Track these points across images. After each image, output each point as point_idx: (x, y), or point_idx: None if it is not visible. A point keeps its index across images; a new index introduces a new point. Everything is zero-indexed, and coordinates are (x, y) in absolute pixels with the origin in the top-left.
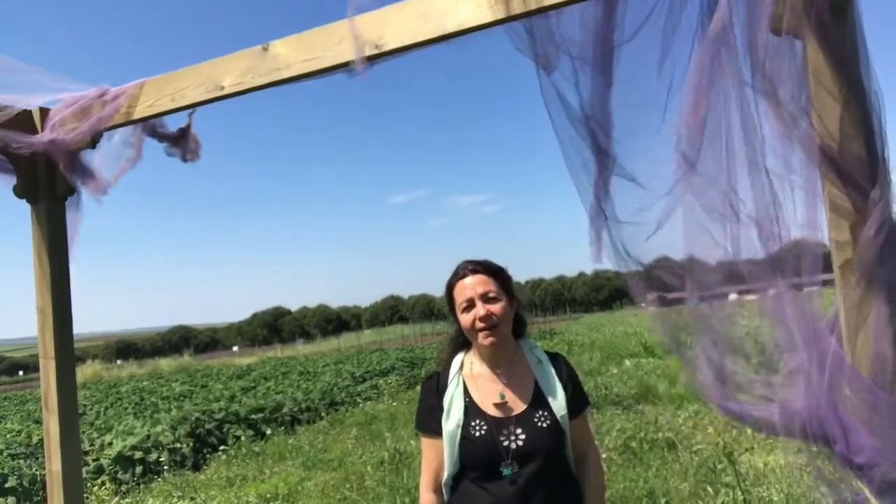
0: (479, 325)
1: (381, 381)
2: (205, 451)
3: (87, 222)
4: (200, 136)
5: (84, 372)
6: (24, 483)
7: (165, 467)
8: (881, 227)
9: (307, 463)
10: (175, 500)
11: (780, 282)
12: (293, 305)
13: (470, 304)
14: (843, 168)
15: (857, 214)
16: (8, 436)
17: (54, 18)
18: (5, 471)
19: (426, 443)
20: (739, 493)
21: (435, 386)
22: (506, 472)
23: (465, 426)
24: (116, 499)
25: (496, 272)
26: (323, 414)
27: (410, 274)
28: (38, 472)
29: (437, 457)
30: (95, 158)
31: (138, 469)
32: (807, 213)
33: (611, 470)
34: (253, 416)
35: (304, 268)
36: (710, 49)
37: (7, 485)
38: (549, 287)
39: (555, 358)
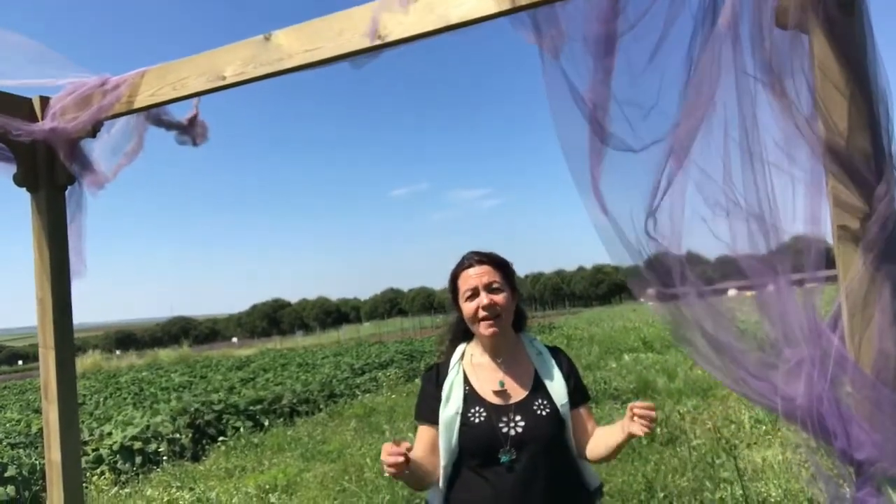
0: (482, 314)
1: (380, 374)
2: (204, 441)
3: (93, 211)
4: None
5: (84, 362)
6: (24, 472)
7: (165, 458)
8: (886, 223)
9: (306, 454)
10: (174, 490)
11: (781, 277)
12: (293, 297)
13: (474, 293)
14: (848, 163)
15: (861, 210)
16: (7, 425)
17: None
18: (5, 460)
19: (422, 430)
20: (738, 488)
21: (435, 376)
22: (504, 458)
23: (465, 413)
24: (115, 489)
25: (501, 264)
26: (322, 406)
27: (410, 267)
28: (37, 462)
29: (430, 443)
30: (95, 150)
31: (137, 459)
32: (810, 207)
33: (609, 464)
34: (252, 408)
35: (304, 260)
36: (715, 42)
37: (6, 474)
38: (549, 281)
39: (555, 351)
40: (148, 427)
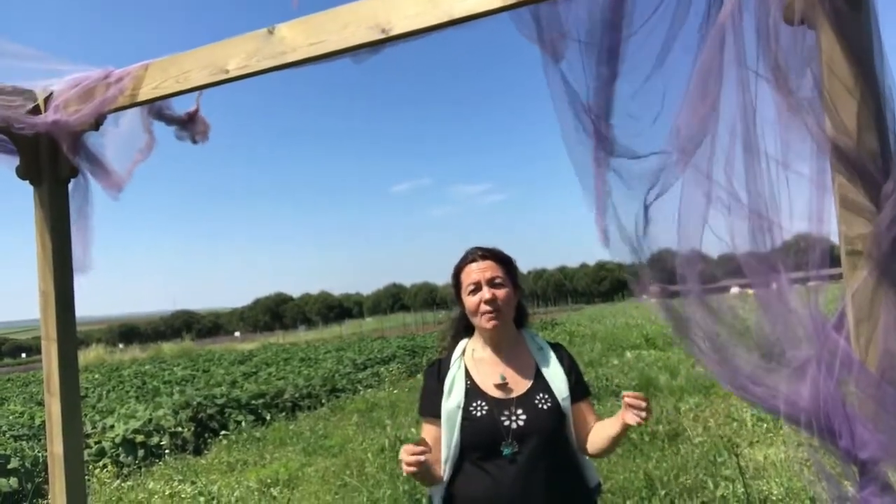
0: (484, 307)
1: (382, 369)
2: (206, 435)
3: (100, 204)
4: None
5: (87, 355)
6: (27, 464)
7: (167, 451)
8: (893, 222)
9: (308, 449)
10: (176, 483)
11: (785, 276)
12: (295, 292)
13: (477, 287)
14: (855, 161)
15: (868, 208)
16: (11, 417)
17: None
18: (8, 452)
19: (426, 427)
20: (740, 486)
21: (436, 372)
22: (506, 451)
23: (466, 407)
24: (118, 482)
25: (504, 260)
26: (324, 400)
27: (413, 262)
28: (40, 454)
29: (435, 439)
30: (107, 150)
31: (140, 452)
32: (815, 206)
33: (611, 461)
34: (254, 402)
35: (307, 254)
36: (719, 38)
37: (10, 466)
38: (551, 277)
39: (556, 347)
40: (150, 420)
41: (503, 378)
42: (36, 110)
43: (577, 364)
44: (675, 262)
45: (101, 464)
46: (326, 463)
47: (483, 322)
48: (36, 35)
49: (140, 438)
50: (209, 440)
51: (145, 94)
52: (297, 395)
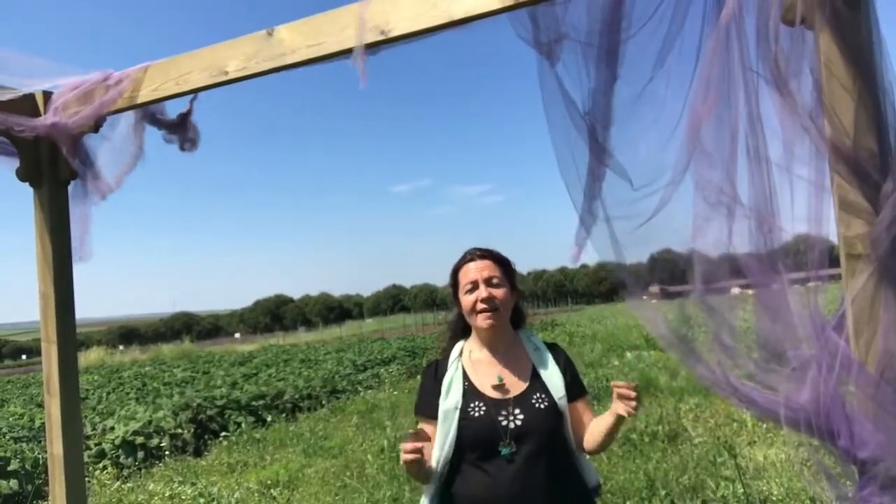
0: (481, 306)
1: (382, 370)
2: (206, 437)
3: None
4: (204, 121)
5: (87, 357)
6: (27, 466)
7: (167, 453)
8: (893, 222)
9: (308, 450)
10: (176, 485)
11: (785, 276)
12: (295, 293)
13: (474, 286)
14: (854, 161)
15: (867, 209)
16: (11, 419)
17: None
18: (8, 454)
19: (423, 426)
20: (740, 486)
21: (434, 372)
22: (504, 451)
23: (464, 408)
24: (118, 483)
25: (502, 261)
26: (324, 402)
27: (413, 263)
28: (40, 456)
29: (431, 438)
30: (100, 155)
31: (140, 454)
32: (814, 206)
33: (611, 461)
34: (254, 403)
35: (307, 256)
36: (719, 40)
37: (10, 468)
38: (551, 278)
39: (553, 347)
40: (150, 422)
41: (500, 379)
42: (36, 113)
43: (572, 363)
44: (675, 262)
45: (101, 465)
46: (326, 464)
47: (479, 321)
48: (36, 36)
49: (140, 440)
50: (209, 442)
51: (145, 96)
52: (297, 397)
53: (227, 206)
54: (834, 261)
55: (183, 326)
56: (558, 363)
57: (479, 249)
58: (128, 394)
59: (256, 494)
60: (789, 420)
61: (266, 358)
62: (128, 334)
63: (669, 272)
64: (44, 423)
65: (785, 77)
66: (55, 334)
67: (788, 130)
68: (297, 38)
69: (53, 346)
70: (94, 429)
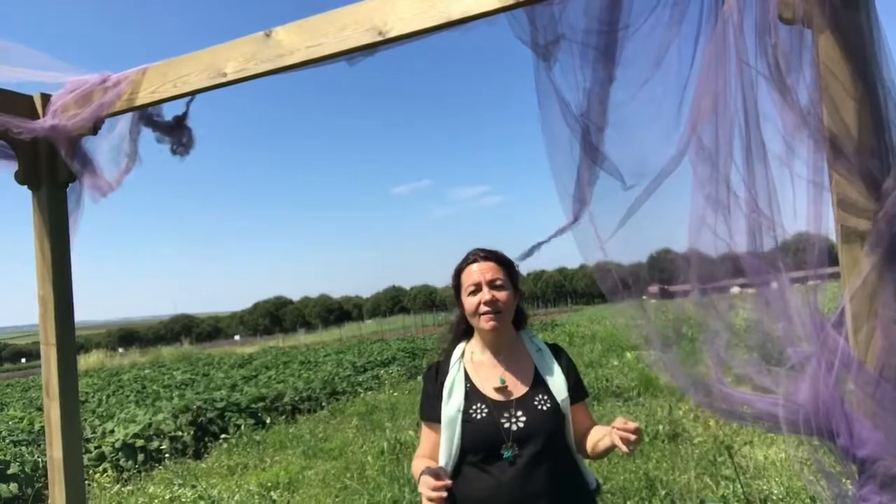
0: (484, 308)
1: (382, 372)
2: (206, 439)
3: (92, 209)
4: (202, 123)
5: (87, 360)
6: (27, 469)
7: (167, 455)
8: (893, 219)
9: (308, 452)
10: (176, 487)
11: (784, 275)
12: (295, 295)
13: (477, 288)
14: (853, 159)
15: (866, 206)
16: (10, 422)
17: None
18: (7, 457)
19: (426, 430)
20: (739, 486)
21: (435, 375)
22: (506, 453)
23: (466, 410)
24: (118, 486)
25: (505, 263)
26: (324, 403)
27: (412, 264)
28: (39, 459)
29: (436, 441)
30: (99, 154)
31: (140, 457)
32: (813, 204)
33: (611, 461)
34: (254, 405)
35: (307, 257)
36: (718, 36)
37: (9, 471)
38: (551, 278)
39: (555, 348)
40: (150, 425)
41: (503, 381)
42: (34, 115)
43: (574, 366)
44: (674, 262)
45: (100, 468)
46: (326, 466)
47: (482, 323)
48: (36, 38)
49: (140, 443)
50: (209, 444)
51: (143, 98)
52: (296, 399)
53: (226, 208)
54: (833, 259)
55: (182, 329)
56: (560, 365)
57: (483, 250)
58: (127, 397)
59: (257, 497)
60: (788, 420)
61: (266, 360)
62: (127, 337)
63: (666, 272)
64: (43, 427)
65: (784, 74)
66: (54, 337)
67: (787, 127)
68: (296, 39)
69: (53, 349)
70: (93, 432)
